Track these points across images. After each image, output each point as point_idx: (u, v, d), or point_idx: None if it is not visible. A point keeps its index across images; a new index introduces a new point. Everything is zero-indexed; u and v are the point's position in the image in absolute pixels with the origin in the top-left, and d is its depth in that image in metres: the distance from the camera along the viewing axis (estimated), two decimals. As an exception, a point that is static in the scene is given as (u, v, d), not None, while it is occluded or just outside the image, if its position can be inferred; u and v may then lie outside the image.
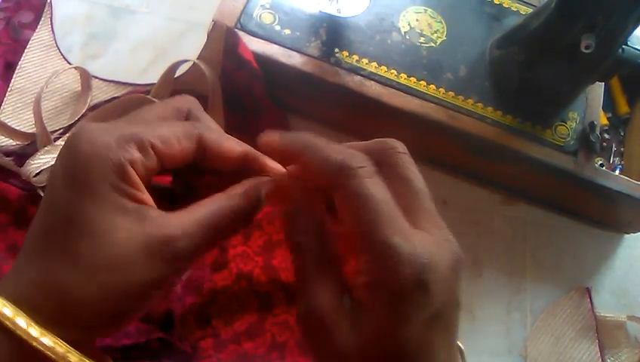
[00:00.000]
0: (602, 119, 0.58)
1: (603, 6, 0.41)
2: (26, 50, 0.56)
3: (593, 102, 0.53)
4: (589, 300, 0.54)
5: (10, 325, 0.22)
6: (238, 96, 0.53)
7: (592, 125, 0.50)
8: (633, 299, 0.56)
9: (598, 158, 0.50)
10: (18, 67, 0.55)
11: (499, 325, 0.53)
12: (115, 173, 0.23)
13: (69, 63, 0.56)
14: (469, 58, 0.51)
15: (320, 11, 0.50)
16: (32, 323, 0.22)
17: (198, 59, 0.51)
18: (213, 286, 0.48)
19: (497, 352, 0.52)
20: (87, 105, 0.54)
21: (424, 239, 0.24)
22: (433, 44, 0.52)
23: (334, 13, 0.50)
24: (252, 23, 0.49)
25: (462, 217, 0.56)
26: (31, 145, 0.50)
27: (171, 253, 0.23)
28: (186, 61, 0.52)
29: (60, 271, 0.23)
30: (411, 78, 0.50)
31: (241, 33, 0.49)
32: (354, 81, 0.49)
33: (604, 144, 0.58)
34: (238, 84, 0.51)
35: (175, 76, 0.53)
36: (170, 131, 0.25)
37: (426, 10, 0.53)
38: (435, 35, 0.52)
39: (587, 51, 0.42)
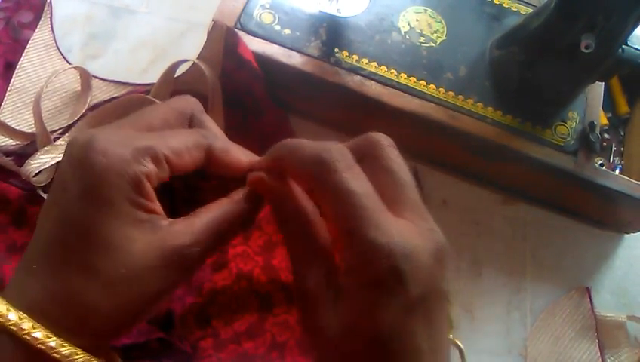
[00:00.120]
0: (602, 119, 0.58)
1: (603, 6, 0.41)
2: (25, 50, 0.56)
3: (593, 102, 0.53)
4: (588, 300, 0.54)
5: (15, 329, 0.22)
6: (238, 96, 0.53)
7: (592, 125, 0.50)
8: (633, 298, 0.56)
9: (598, 158, 0.50)
10: (18, 67, 0.55)
11: (499, 325, 0.53)
12: (131, 187, 0.24)
13: (69, 63, 0.56)
14: (469, 58, 0.51)
15: (320, 11, 0.50)
16: (39, 326, 0.23)
17: (198, 59, 0.51)
18: (213, 286, 0.48)
19: (497, 352, 0.52)
20: (87, 105, 0.54)
21: (405, 229, 0.24)
22: (433, 44, 0.52)
23: (334, 13, 0.50)
24: (252, 22, 0.49)
25: (462, 217, 0.56)
26: (31, 145, 0.50)
27: (185, 260, 0.24)
28: (186, 61, 0.52)
29: (78, 283, 0.23)
30: (411, 78, 0.50)
31: (241, 33, 0.49)
32: (354, 80, 0.49)
33: (604, 144, 0.58)
34: (238, 84, 0.51)
35: (175, 76, 0.53)
36: (182, 142, 0.25)
37: (426, 10, 0.53)
38: (435, 35, 0.52)
39: (587, 51, 0.42)
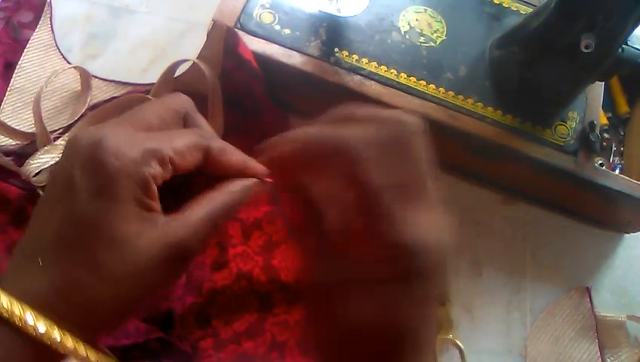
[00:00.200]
0: (602, 119, 0.58)
1: (603, 6, 0.41)
2: (25, 50, 0.56)
3: (593, 101, 0.53)
4: (588, 300, 0.54)
5: (20, 323, 0.23)
6: (238, 96, 0.53)
7: (592, 125, 0.50)
8: (633, 298, 0.56)
9: (598, 158, 0.50)
10: (18, 67, 0.55)
11: (499, 324, 0.53)
12: (139, 187, 0.25)
13: (69, 63, 0.56)
14: (469, 58, 0.51)
15: (320, 11, 0.50)
16: (43, 320, 0.23)
17: (198, 58, 0.51)
18: (213, 286, 0.48)
19: (497, 352, 0.52)
20: (87, 104, 0.54)
21: (424, 226, 0.26)
22: (433, 44, 0.52)
23: (334, 12, 0.50)
24: (252, 22, 0.49)
25: (462, 217, 0.56)
26: (30, 145, 0.50)
27: (184, 253, 0.26)
28: (186, 61, 0.52)
29: (85, 278, 0.24)
30: (411, 78, 0.50)
31: (241, 33, 0.49)
32: (354, 80, 0.49)
33: (604, 144, 0.58)
34: (238, 83, 0.51)
35: (175, 76, 0.53)
36: (184, 144, 0.27)
37: (425, 10, 0.53)
38: (435, 34, 0.52)
39: (587, 51, 0.42)
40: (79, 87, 0.54)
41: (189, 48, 0.55)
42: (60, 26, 0.58)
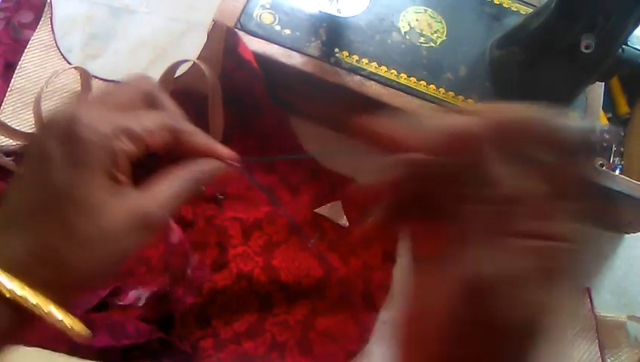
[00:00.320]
0: (602, 119, 0.58)
1: (603, 6, 0.41)
2: (25, 50, 0.56)
3: (593, 102, 0.53)
4: (589, 300, 0.54)
5: None
6: (238, 96, 0.53)
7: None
8: (633, 298, 0.56)
9: (598, 158, 0.50)
10: (18, 67, 0.55)
11: (499, 325, 0.53)
12: (110, 160, 0.27)
13: (69, 63, 0.56)
14: (469, 58, 0.51)
15: (320, 11, 0.50)
16: (18, 282, 0.25)
17: (198, 59, 0.51)
18: (213, 286, 0.48)
19: (497, 352, 0.52)
20: (87, 105, 0.54)
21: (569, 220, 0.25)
22: (433, 44, 0.52)
23: (334, 13, 0.50)
24: (252, 22, 0.49)
25: (462, 217, 0.56)
26: (31, 145, 0.50)
27: (151, 224, 0.28)
28: (186, 61, 0.52)
29: (58, 241, 0.26)
30: (411, 78, 0.50)
31: (241, 33, 0.49)
32: (354, 81, 0.49)
33: (604, 144, 0.58)
34: (238, 83, 0.51)
35: (175, 76, 0.53)
36: (153, 123, 0.29)
37: (426, 10, 0.53)
38: (435, 35, 0.52)
39: (587, 51, 0.42)
40: (79, 88, 0.54)
41: (189, 48, 0.55)
42: (60, 26, 0.58)
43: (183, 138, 0.30)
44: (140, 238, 0.28)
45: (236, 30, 0.49)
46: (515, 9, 0.55)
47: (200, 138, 0.31)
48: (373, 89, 0.49)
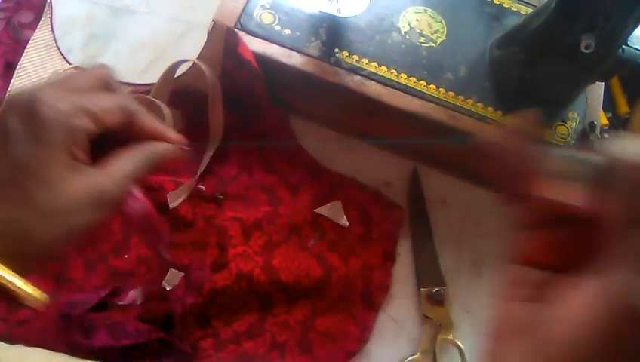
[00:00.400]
0: (602, 119, 0.58)
1: (603, 6, 0.41)
2: (25, 50, 0.56)
3: (593, 102, 0.53)
4: (589, 300, 0.54)
5: None
6: (238, 96, 0.53)
7: (592, 125, 0.50)
8: (633, 299, 0.56)
9: (598, 158, 0.50)
10: (18, 67, 0.55)
11: (499, 325, 0.53)
12: (70, 137, 0.29)
13: (69, 63, 0.56)
14: (469, 58, 0.51)
15: (320, 11, 0.50)
16: None
17: (198, 59, 0.51)
18: (213, 286, 0.48)
19: (497, 352, 0.52)
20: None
21: None
22: (433, 44, 0.52)
23: (334, 13, 0.50)
24: (252, 22, 0.49)
25: (462, 217, 0.56)
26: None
27: (106, 201, 0.30)
28: (186, 61, 0.52)
29: (18, 212, 0.28)
30: (411, 78, 0.50)
31: (241, 33, 0.49)
32: (354, 81, 0.49)
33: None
34: (238, 83, 0.51)
35: (175, 76, 0.53)
36: (111, 104, 0.31)
37: (426, 10, 0.53)
38: (435, 35, 0.52)
39: (587, 51, 0.42)
40: (79, 88, 0.54)
41: (189, 48, 0.55)
42: (60, 26, 0.58)
43: (136, 119, 0.32)
44: (97, 214, 0.30)
45: (236, 30, 0.49)
46: (515, 9, 0.55)
47: (150, 120, 0.33)
48: (373, 89, 0.49)
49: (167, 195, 0.51)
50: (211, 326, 0.49)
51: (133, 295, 0.48)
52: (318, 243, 0.52)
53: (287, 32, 0.50)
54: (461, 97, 0.50)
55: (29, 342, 0.46)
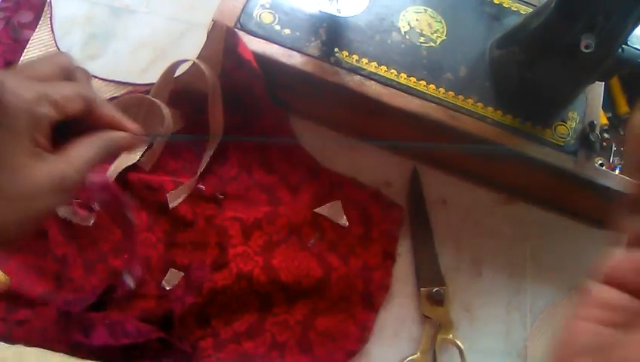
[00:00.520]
0: (602, 119, 0.58)
1: (603, 6, 0.41)
2: (25, 50, 0.56)
3: (593, 101, 0.53)
4: (589, 300, 0.54)
5: None
6: (238, 96, 0.53)
7: (592, 125, 0.50)
8: (633, 298, 0.56)
9: (598, 158, 0.50)
10: (18, 67, 0.55)
11: (499, 325, 0.53)
12: (33, 124, 0.30)
13: (69, 63, 0.56)
14: (469, 58, 0.51)
15: (320, 11, 0.50)
16: None
17: (198, 58, 0.51)
18: (213, 286, 0.48)
19: (497, 352, 0.52)
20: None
21: None
22: (433, 44, 0.52)
23: (334, 13, 0.50)
24: (252, 22, 0.49)
25: (462, 217, 0.56)
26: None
27: (67, 186, 0.31)
28: (186, 61, 0.52)
29: None
30: (411, 78, 0.50)
31: (240, 33, 0.49)
32: (354, 80, 0.49)
33: (604, 144, 0.58)
34: (238, 83, 0.51)
35: (175, 76, 0.53)
36: (71, 92, 0.32)
37: (426, 10, 0.53)
38: (435, 34, 0.52)
39: (587, 51, 0.42)
40: (79, 87, 0.54)
41: (189, 48, 0.55)
42: (60, 26, 0.58)
43: (95, 108, 0.33)
44: (58, 199, 0.31)
45: (236, 30, 0.49)
46: (515, 9, 0.55)
47: (109, 109, 0.34)
48: (373, 89, 0.49)
49: (167, 195, 0.51)
50: (211, 326, 0.49)
51: (127, 281, 0.48)
52: (318, 243, 0.52)
53: (287, 31, 0.50)
54: (461, 97, 0.50)
55: (29, 342, 0.46)
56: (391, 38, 0.51)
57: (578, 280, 0.55)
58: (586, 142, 0.50)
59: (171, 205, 0.51)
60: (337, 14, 0.50)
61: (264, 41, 0.49)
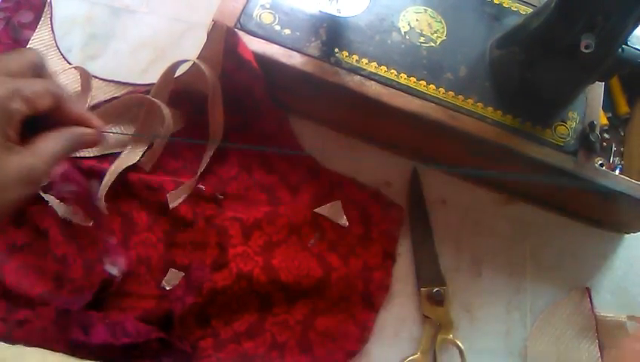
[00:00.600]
0: (602, 119, 0.58)
1: (603, 6, 0.41)
2: (25, 50, 0.56)
3: (593, 102, 0.53)
4: (589, 300, 0.54)
5: None
6: (238, 96, 0.53)
7: (592, 125, 0.50)
8: (633, 298, 0.56)
9: (598, 158, 0.50)
10: (18, 67, 0.55)
11: (499, 325, 0.53)
12: (5, 119, 0.31)
13: (69, 63, 0.56)
14: (469, 58, 0.51)
15: (320, 11, 0.50)
16: None
17: (198, 59, 0.51)
18: (213, 286, 0.48)
19: (497, 352, 0.52)
20: (87, 105, 0.54)
21: None
22: (433, 44, 0.52)
23: (334, 13, 0.50)
24: (252, 22, 0.49)
25: (462, 217, 0.56)
26: (31, 145, 0.50)
27: (35, 178, 0.33)
28: (186, 61, 0.52)
29: None
30: (411, 78, 0.50)
31: (241, 33, 0.49)
32: (354, 81, 0.49)
33: (604, 144, 0.58)
34: (238, 84, 0.51)
35: (175, 76, 0.53)
36: (43, 89, 0.33)
37: (426, 10, 0.53)
38: (435, 35, 0.52)
39: (587, 51, 0.42)
40: (79, 88, 0.54)
41: (189, 48, 0.55)
42: (60, 26, 0.58)
43: (63, 104, 0.35)
44: (26, 190, 0.32)
45: (236, 30, 0.49)
46: (515, 9, 0.55)
47: (76, 106, 0.36)
48: (373, 89, 0.49)
49: (167, 195, 0.51)
50: (211, 326, 0.49)
51: (110, 271, 0.48)
52: (318, 243, 0.52)
53: (287, 32, 0.50)
54: (461, 97, 0.50)
55: (29, 342, 0.46)
56: (391, 39, 0.51)
57: (578, 279, 0.56)
58: (586, 142, 0.50)
59: (171, 205, 0.51)
60: (337, 14, 0.50)
61: (264, 42, 0.49)
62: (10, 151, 0.32)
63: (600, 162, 0.50)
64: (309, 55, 0.49)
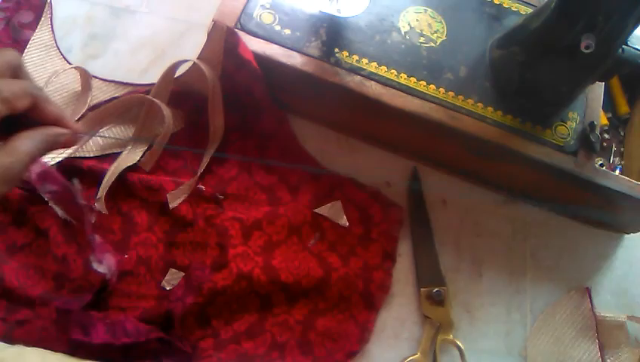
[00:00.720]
0: (602, 119, 0.58)
1: (603, 6, 0.41)
2: (25, 50, 0.56)
3: (593, 102, 0.53)
4: (588, 300, 0.54)
5: None
6: (238, 96, 0.53)
7: (592, 125, 0.50)
8: (633, 299, 0.56)
9: (598, 158, 0.50)
10: (18, 67, 0.55)
11: (499, 325, 0.53)
12: None
13: (69, 63, 0.56)
14: (469, 58, 0.51)
15: (320, 11, 0.50)
16: None
17: (198, 59, 0.51)
18: (213, 287, 0.48)
19: (497, 352, 0.52)
20: (87, 105, 0.54)
21: None
22: (433, 44, 0.52)
23: (334, 13, 0.50)
24: (252, 22, 0.49)
25: (462, 217, 0.56)
26: (31, 145, 0.50)
27: (11, 176, 0.33)
28: (186, 61, 0.52)
29: None
30: (411, 78, 0.50)
31: (241, 33, 0.49)
32: (354, 81, 0.49)
33: (604, 144, 0.58)
34: (238, 84, 0.51)
35: (175, 76, 0.53)
36: (20, 89, 0.33)
37: (426, 10, 0.53)
38: (435, 35, 0.52)
39: (587, 51, 0.42)
40: (79, 88, 0.54)
41: (189, 48, 0.55)
42: (60, 26, 0.58)
43: (41, 104, 0.35)
44: (2, 188, 0.33)
45: (236, 30, 0.49)
46: (515, 9, 0.55)
47: (53, 107, 0.36)
48: (373, 89, 0.49)
49: (167, 195, 0.51)
50: (211, 326, 0.49)
51: (98, 269, 0.48)
52: (318, 243, 0.52)
53: (287, 32, 0.50)
54: (461, 97, 0.50)
55: (29, 342, 0.46)
56: (391, 39, 0.51)
57: (578, 280, 0.56)
58: (586, 142, 0.50)
59: (171, 205, 0.51)
60: (337, 15, 0.50)
61: (264, 42, 0.49)
62: None
63: (600, 162, 0.50)
64: (309, 55, 0.49)
